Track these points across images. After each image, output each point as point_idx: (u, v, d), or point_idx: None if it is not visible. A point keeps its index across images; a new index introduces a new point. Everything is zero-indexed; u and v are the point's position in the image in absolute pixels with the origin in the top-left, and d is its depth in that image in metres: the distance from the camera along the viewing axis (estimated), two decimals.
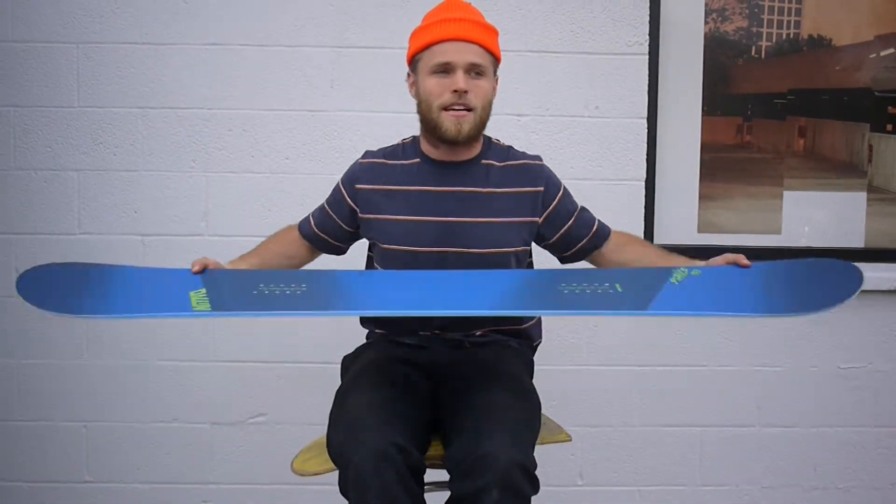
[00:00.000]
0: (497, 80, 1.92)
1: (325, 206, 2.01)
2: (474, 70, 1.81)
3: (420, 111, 1.87)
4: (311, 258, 2.06)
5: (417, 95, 1.88)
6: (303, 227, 2.04)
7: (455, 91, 1.80)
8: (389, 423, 1.63)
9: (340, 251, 2.05)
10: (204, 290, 1.72)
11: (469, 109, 1.81)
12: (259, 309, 1.71)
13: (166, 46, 2.60)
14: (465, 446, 1.61)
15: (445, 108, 1.81)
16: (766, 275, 1.76)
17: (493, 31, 1.88)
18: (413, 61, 1.88)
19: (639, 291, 1.70)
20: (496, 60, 1.88)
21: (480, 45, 1.82)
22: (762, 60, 2.75)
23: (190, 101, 2.61)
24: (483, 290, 1.72)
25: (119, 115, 2.62)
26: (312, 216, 2.04)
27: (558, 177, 1.98)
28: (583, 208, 1.99)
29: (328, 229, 2.00)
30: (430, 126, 1.85)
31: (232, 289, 1.75)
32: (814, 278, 1.75)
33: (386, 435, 1.60)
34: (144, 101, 2.61)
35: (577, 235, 1.97)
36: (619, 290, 1.70)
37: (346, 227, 1.98)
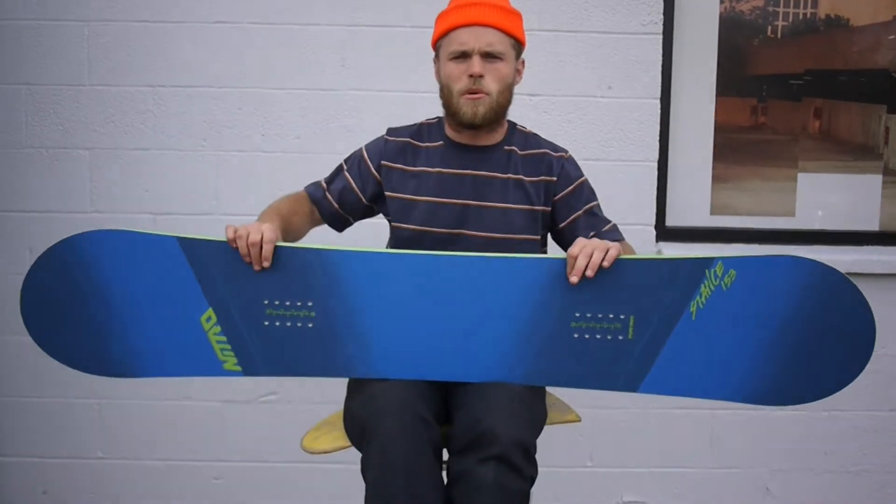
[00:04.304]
0: (523, 63, 1.91)
1: (346, 173, 1.96)
2: (491, 54, 1.81)
3: (442, 96, 1.88)
4: (309, 228, 1.98)
5: (440, 81, 1.89)
6: (314, 192, 1.98)
7: (471, 76, 1.80)
8: (413, 396, 1.64)
9: (344, 225, 2.00)
10: (212, 311, 1.72)
11: (485, 93, 1.81)
12: (285, 369, 1.73)
13: (177, 25, 2.59)
14: (465, 423, 1.62)
15: (463, 94, 1.82)
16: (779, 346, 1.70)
17: (515, 14, 1.87)
18: (436, 47, 1.90)
19: (652, 331, 1.68)
20: (519, 44, 1.88)
21: (498, 29, 1.82)
22: (778, 40, 2.72)
23: (201, 79, 2.61)
24: (493, 319, 1.69)
25: (130, 93, 2.61)
26: (326, 182, 1.98)
27: (582, 172, 1.94)
28: (595, 211, 1.94)
29: (345, 198, 1.96)
30: (450, 111, 1.86)
31: (241, 315, 1.72)
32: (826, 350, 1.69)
33: (411, 407, 1.61)
34: (155, 79, 2.61)
35: (575, 230, 1.91)
36: (630, 336, 1.69)
37: (364, 200, 1.95)
